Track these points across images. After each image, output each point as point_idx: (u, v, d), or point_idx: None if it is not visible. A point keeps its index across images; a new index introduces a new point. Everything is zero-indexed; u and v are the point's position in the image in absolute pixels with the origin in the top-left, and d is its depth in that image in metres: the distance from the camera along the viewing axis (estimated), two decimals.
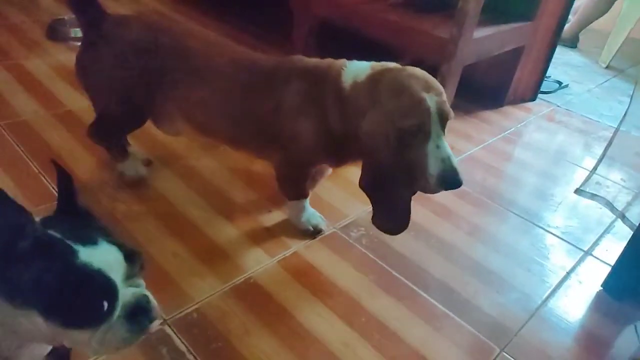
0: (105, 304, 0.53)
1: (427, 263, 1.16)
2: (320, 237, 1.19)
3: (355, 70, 0.99)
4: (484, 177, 1.55)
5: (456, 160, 0.92)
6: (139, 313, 0.56)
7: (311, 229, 1.18)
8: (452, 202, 1.40)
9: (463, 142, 1.75)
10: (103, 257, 0.54)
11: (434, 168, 0.90)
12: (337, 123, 1.00)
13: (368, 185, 0.96)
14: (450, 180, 0.91)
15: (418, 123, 0.89)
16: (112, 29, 1.09)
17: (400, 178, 0.93)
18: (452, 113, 0.93)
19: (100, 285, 0.53)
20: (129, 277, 0.57)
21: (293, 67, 1.05)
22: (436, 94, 0.90)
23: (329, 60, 1.05)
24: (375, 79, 0.94)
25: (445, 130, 0.93)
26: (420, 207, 1.34)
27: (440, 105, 0.90)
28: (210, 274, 1.03)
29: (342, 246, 1.17)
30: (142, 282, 0.60)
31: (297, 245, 1.15)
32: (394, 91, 0.91)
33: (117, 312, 0.54)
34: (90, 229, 0.58)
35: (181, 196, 1.24)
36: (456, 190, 1.42)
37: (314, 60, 1.06)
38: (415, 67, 0.96)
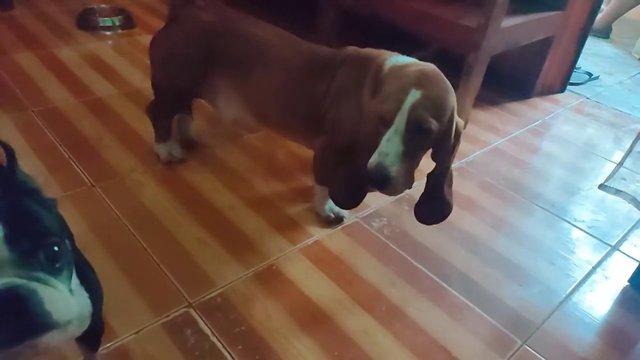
0: None
1: (449, 254, 1.16)
2: (342, 226, 1.19)
3: (399, 59, 1.01)
4: (509, 170, 1.53)
5: (393, 162, 0.87)
6: (6, 310, 0.45)
7: (332, 216, 1.19)
8: (476, 194, 1.38)
9: (488, 133, 1.72)
10: None
11: (372, 158, 0.89)
12: (367, 102, 1.01)
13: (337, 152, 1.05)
14: (372, 174, 0.88)
15: (386, 109, 0.88)
16: (191, 11, 1.18)
17: (362, 157, 0.93)
18: (431, 123, 0.86)
19: None
20: (11, 264, 0.46)
21: (347, 54, 1.08)
22: (424, 94, 0.86)
23: (381, 50, 1.07)
24: (403, 68, 0.95)
25: (420, 141, 0.89)
26: None
27: (417, 105, 0.85)
28: (234, 259, 1.05)
29: (363, 236, 1.18)
30: (43, 276, 0.48)
31: (319, 234, 1.16)
32: (394, 79, 0.92)
33: None
34: None
35: (205, 184, 1.27)
36: (480, 182, 1.41)
37: (368, 49, 1.09)
38: (435, 68, 0.94)
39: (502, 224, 1.29)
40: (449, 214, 1.00)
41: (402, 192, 0.94)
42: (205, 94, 1.24)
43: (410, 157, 0.89)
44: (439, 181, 0.97)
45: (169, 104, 1.26)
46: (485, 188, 1.42)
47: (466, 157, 1.56)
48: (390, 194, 0.93)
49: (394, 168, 0.87)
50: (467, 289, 1.07)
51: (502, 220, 1.30)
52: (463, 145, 1.60)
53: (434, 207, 1.00)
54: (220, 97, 1.21)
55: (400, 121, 0.86)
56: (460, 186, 1.40)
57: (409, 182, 0.92)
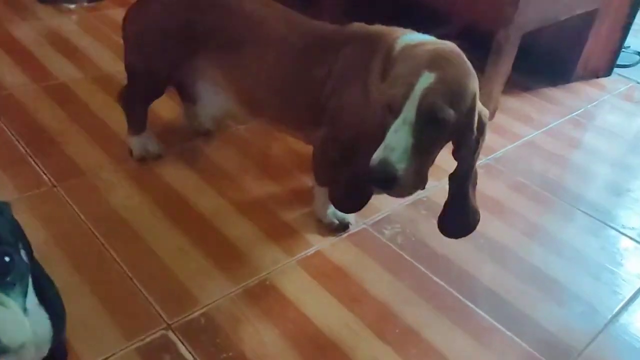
0: None
1: (474, 267, 1.16)
2: (347, 234, 1.20)
3: (414, 37, 0.99)
4: (546, 167, 1.53)
5: (400, 159, 0.84)
6: None
7: (336, 222, 1.19)
8: (507, 196, 1.39)
9: (521, 124, 1.72)
10: None
11: (376, 153, 0.87)
12: (375, 88, 1.00)
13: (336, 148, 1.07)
14: (375, 172, 0.86)
15: (394, 95, 0.86)
16: None
17: (368, 152, 0.90)
18: (446, 112, 0.84)
19: None
20: None
21: (353, 31, 1.08)
22: (438, 77, 0.83)
23: (393, 27, 1.06)
24: (416, 47, 0.94)
25: (433, 133, 0.87)
26: None
27: (429, 90, 0.83)
28: (220, 273, 1.05)
29: (373, 245, 1.18)
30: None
31: (320, 243, 1.16)
32: (405, 59, 0.91)
33: None
34: None
35: (187, 184, 1.27)
36: (511, 182, 1.41)
37: (377, 26, 1.08)
38: (454, 47, 0.92)
39: (537, 232, 1.29)
40: (477, 224, 0.99)
41: (411, 194, 0.92)
42: (186, 79, 1.24)
43: (422, 153, 0.88)
44: (462, 184, 0.96)
45: (144, 90, 1.27)
46: (517, 189, 1.42)
47: (494, 153, 1.56)
48: (397, 195, 0.92)
49: (401, 165, 0.85)
50: (496, 309, 1.07)
51: (537, 226, 1.30)
52: (490, 139, 1.60)
53: (460, 216, 0.98)
54: (204, 82, 1.21)
55: (409, 109, 0.85)
56: (487, 187, 1.40)
57: (420, 183, 0.91)
